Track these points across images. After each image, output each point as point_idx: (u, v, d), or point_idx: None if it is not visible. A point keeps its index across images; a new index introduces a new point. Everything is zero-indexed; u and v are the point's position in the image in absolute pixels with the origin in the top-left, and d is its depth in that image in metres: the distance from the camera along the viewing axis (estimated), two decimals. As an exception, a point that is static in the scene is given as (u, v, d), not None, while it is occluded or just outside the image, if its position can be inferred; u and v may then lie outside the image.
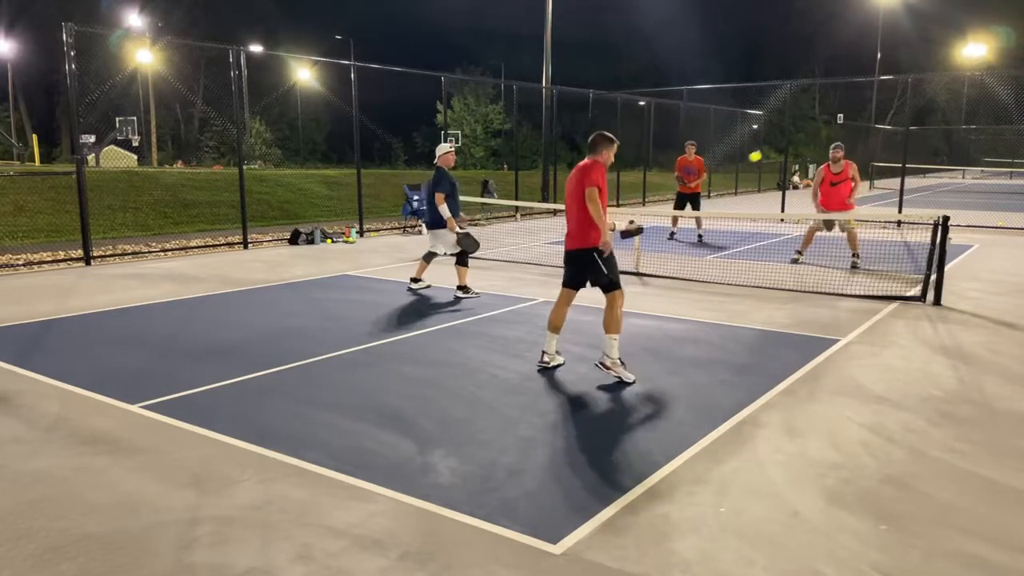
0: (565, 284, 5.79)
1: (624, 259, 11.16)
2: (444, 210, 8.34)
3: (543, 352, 5.82)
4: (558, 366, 5.77)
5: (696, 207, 14.04)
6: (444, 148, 8.64)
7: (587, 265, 5.54)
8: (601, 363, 5.52)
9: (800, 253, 11.22)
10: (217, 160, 35.86)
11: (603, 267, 5.47)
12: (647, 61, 60.66)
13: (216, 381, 5.36)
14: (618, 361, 5.43)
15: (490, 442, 4.26)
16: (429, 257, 8.90)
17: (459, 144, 37.89)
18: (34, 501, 3.55)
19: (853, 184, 10.74)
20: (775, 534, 3.26)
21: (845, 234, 10.89)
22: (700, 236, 14.03)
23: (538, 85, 21.63)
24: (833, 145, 10.92)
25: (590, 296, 8.39)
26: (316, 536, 3.23)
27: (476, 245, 8.55)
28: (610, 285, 5.48)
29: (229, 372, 5.57)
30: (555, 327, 5.77)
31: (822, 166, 10.95)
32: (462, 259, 8.54)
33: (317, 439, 4.30)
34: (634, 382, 5.35)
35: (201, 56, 37.41)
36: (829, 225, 10.88)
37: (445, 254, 8.75)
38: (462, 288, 8.47)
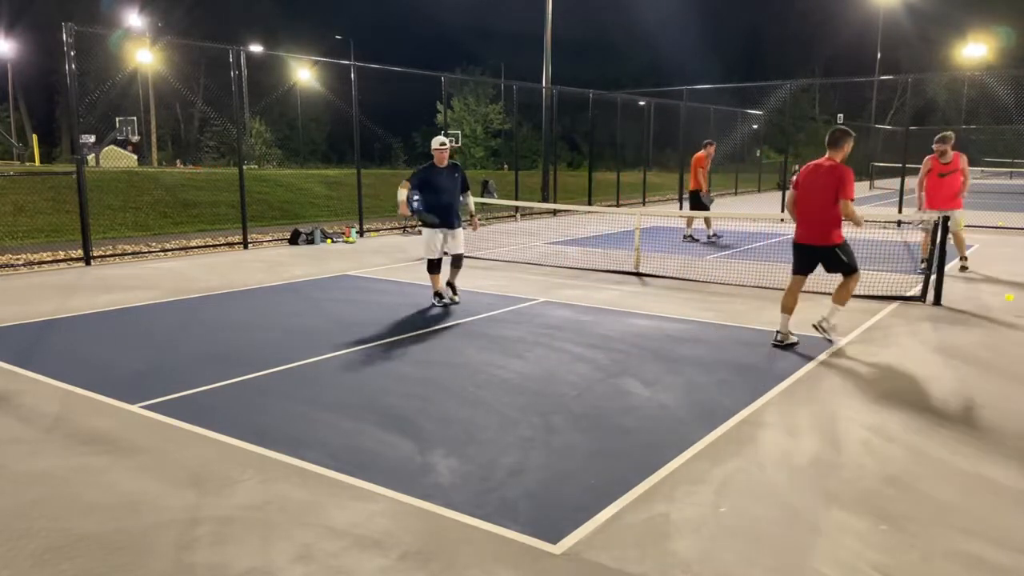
0: (797, 272, 6.50)
1: (624, 259, 11.16)
2: (400, 192, 7.83)
3: (777, 332, 6.42)
4: (792, 344, 6.32)
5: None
6: (435, 141, 7.91)
7: (827, 258, 6.31)
8: (819, 325, 6.39)
9: (925, 261, 10.07)
10: (217, 160, 35.85)
11: (844, 258, 6.26)
12: (647, 61, 60.68)
13: (216, 381, 5.36)
14: (835, 326, 6.43)
15: (490, 442, 4.26)
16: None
17: (459, 144, 37.87)
18: (34, 501, 3.55)
19: (963, 178, 9.98)
20: (775, 534, 3.26)
21: (952, 237, 9.79)
22: (711, 236, 14.16)
23: (538, 85, 21.63)
24: (938, 137, 10.11)
25: (590, 296, 8.40)
26: (316, 536, 3.23)
27: (429, 220, 7.99)
28: (850, 270, 6.31)
29: (229, 372, 5.57)
30: (788, 309, 6.44)
31: (928, 157, 10.16)
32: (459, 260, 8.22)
33: (317, 439, 4.30)
34: (840, 343, 6.32)
35: (201, 56, 37.40)
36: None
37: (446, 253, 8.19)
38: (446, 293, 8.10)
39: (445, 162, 7.90)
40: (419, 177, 7.85)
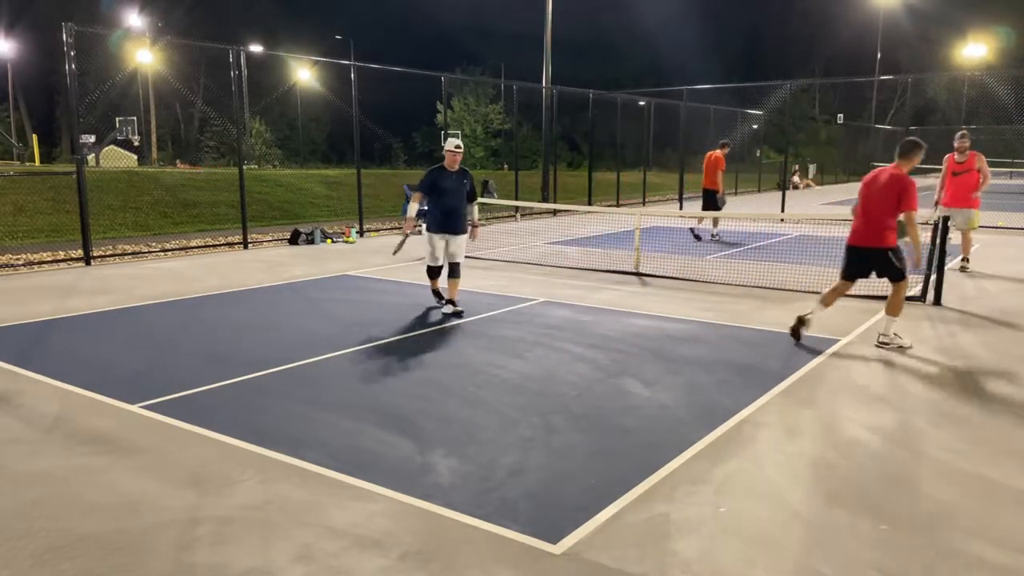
0: (845, 276, 6.55)
1: (624, 259, 11.16)
2: (409, 207, 7.77)
3: (800, 316, 6.55)
4: (798, 329, 6.50)
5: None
6: (450, 143, 7.63)
7: (878, 261, 6.33)
8: (881, 344, 6.38)
9: (965, 260, 10.44)
10: (217, 160, 35.85)
11: (895, 262, 6.26)
12: (647, 61, 60.67)
13: (216, 381, 5.36)
14: (893, 336, 6.36)
15: (490, 442, 4.26)
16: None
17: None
18: (34, 501, 3.55)
19: (980, 177, 10.08)
20: (775, 534, 3.26)
21: (959, 233, 10.12)
22: (715, 235, 14.31)
23: (538, 85, 21.63)
24: (958, 134, 10.20)
25: (590, 296, 8.40)
26: (316, 536, 3.23)
27: (397, 249, 8.01)
28: (899, 276, 6.29)
29: (229, 372, 5.57)
30: (827, 304, 6.65)
31: (946, 156, 10.27)
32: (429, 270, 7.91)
33: (317, 439, 4.30)
34: (911, 346, 6.34)
35: (201, 56, 37.40)
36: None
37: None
38: (445, 301, 7.82)
39: (456, 166, 7.61)
40: (428, 179, 7.59)
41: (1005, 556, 3.11)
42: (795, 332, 6.50)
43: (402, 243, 7.96)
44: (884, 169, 6.36)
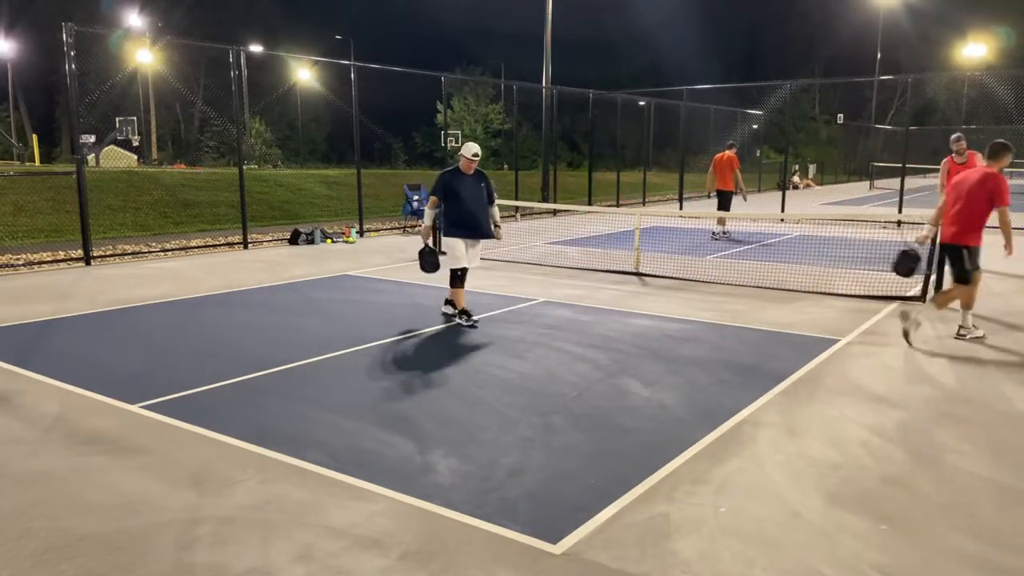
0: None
1: (624, 259, 11.16)
2: (426, 214, 7.35)
3: (960, 327, 6.77)
4: (978, 337, 6.66)
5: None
6: (468, 150, 7.20)
7: (954, 255, 6.59)
8: (960, 335, 6.66)
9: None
10: (217, 160, 35.86)
11: (967, 263, 6.52)
12: (647, 61, 60.64)
13: (216, 381, 5.36)
14: (972, 326, 6.69)
15: (490, 442, 4.26)
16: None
17: (459, 145, 37.83)
18: (34, 501, 3.55)
19: None
20: (775, 534, 3.26)
21: None
22: (725, 232, 14.71)
23: (538, 85, 21.63)
24: (954, 137, 10.38)
25: (590, 296, 8.40)
26: (316, 536, 3.23)
27: (430, 267, 7.47)
28: (964, 277, 6.56)
29: (229, 372, 5.57)
30: (967, 305, 6.79)
31: (945, 159, 10.46)
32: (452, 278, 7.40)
33: (317, 439, 4.30)
34: (984, 336, 6.64)
35: (201, 56, 37.39)
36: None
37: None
38: (448, 303, 7.52)
39: (472, 170, 7.27)
40: (443, 181, 7.20)
41: (1005, 556, 3.11)
42: (905, 335, 6.57)
43: (431, 249, 7.45)
44: (975, 169, 6.66)
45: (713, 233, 14.56)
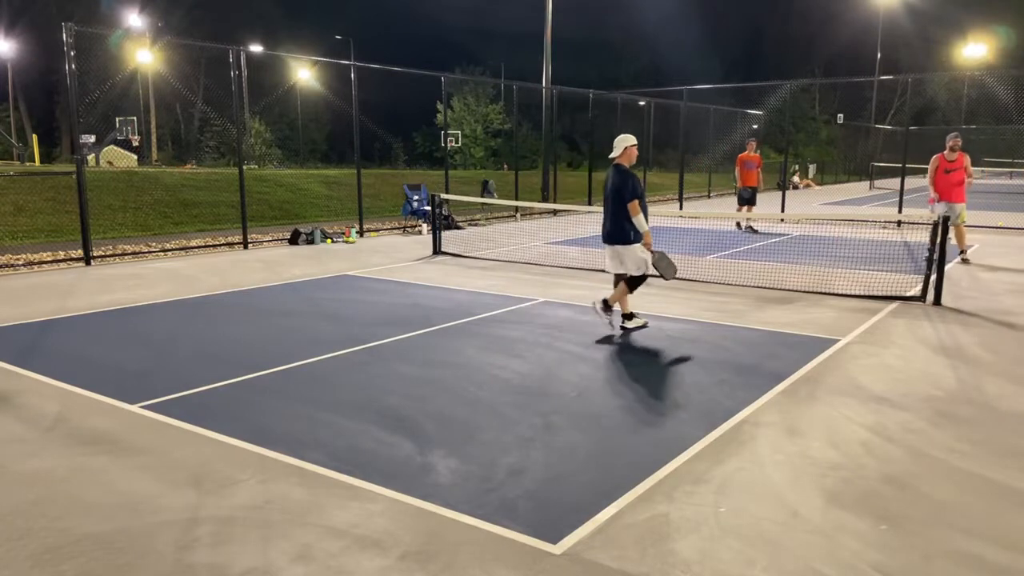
0: None
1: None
2: (640, 221, 6.58)
3: None
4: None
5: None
6: (629, 140, 6.69)
7: None
8: None
9: (964, 252, 11.38)
10: (217, 160, 35.85)
11: None
12: (647, 61, 60.67)
13: (216, 381, 5.36)
14: None
15: (490, 442, 4.26)
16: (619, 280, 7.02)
17: (459, 144, 37.84)
18: (34, 501, 3.55)
19: (967, 174, 11.14)
20: (775, 534, 3.26)
21: (953, 229, 10.74)
22: (751, 227, 15.49)
23: (538, 85, 21.63)
24: (951, 135, 11.26)
25: (590, 296, 8.40)
26: (316, 536, 3.23)
27: (673, 269, 6.95)
28: None
29: (229, 372, 5.57)
30: None
31: (936, 155, 11.29)
32: (635, 282, 6.85)
33: (317, 439, 4.30)
34: None
35: (201, 56, 37.41)
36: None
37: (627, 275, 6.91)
38: (627, 316, 6.93)
39: (629, 162, 6.71)
40: (636, 180, 6.65)
41: (1005, 556, 3.11)
42: None
43: (661, 253, 6.91)
44: None
45: (750, 227, 15.36)
